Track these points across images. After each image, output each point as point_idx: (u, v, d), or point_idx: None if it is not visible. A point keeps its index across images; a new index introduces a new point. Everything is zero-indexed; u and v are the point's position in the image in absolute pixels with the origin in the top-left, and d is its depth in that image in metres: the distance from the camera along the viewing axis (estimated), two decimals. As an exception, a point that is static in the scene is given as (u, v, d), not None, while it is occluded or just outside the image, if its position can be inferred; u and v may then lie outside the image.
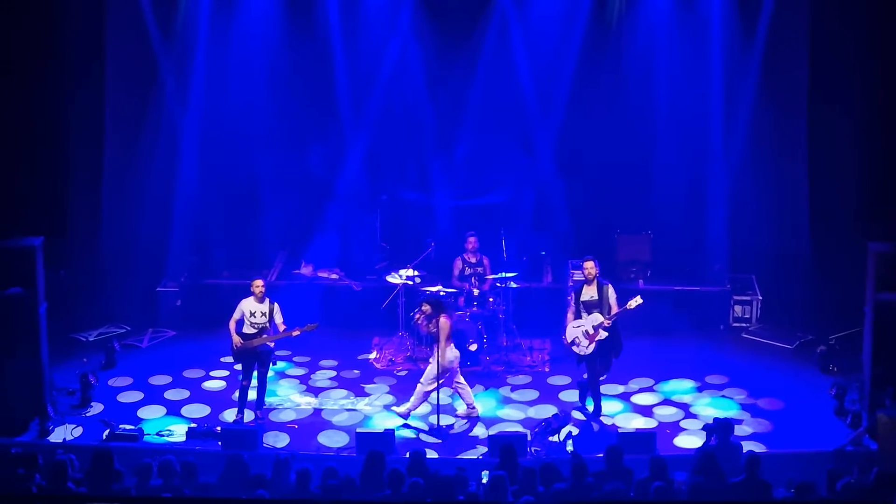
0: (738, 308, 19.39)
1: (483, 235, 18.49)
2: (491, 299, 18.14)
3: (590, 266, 15.94)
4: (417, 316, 16.19)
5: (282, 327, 16.08)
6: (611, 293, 15.85)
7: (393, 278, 18.43)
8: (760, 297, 19.39)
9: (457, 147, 20.01)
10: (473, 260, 18.35)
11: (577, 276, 18.56)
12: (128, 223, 19.86)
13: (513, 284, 18.18)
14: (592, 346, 15.82)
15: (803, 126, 19.36)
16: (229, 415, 16.45)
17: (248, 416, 16.32)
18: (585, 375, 16.29)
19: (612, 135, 19.66)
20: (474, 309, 17.96)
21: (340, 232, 20.03)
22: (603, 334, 15.78)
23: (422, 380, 16.00)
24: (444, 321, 15.85)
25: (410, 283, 18.15)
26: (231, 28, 19.74)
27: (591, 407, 16.25)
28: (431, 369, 15.88)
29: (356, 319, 18.84)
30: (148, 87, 19.70)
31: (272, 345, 16.32)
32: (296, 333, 16.09)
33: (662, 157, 19.82)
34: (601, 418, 16.10)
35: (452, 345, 15.96)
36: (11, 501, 11.56)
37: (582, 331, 15.86)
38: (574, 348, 16.00)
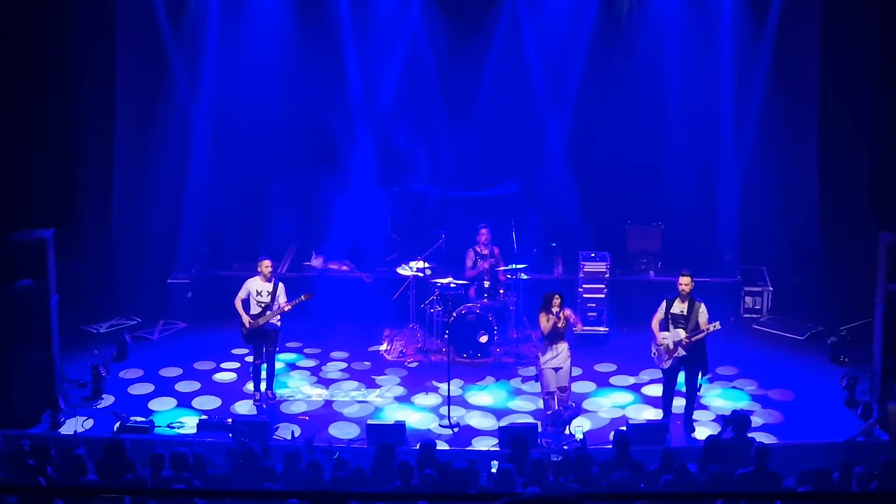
0: (748, 299, 19.37)
1: (494, 227, 18.48)
2: (501, 291, 18.14)
3: (686, 282, 15.43)
4: (564, 312, 15.60)
5: (285, 306, 16.33)
6: (702, 312, 15.34)
7: (403, 270, 18.42)
8: (771, 288, 19.36)
9: (467, 138, 19.99)
10: (485, 252, 18.35)
11: (588, 267, 18.61)
12: (139, 215, 19.88)
13: (523, 276, 18.17)
14: (670, 361, 15.48)
15: (814, 116, 19.33)
16: (240, 406, 16.49)
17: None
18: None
19: (622, 125, 19.65)
20: (485, 300, 17.96)
21: (351, 223, 20.03)
22: (681, 352, 15.38)
23: (563, 382, 15.76)
24: (570, 312, 15.90)
25: (421, 274, 18.15)
26: (241, 19, 19.74)
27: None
28: (568, 367, 15.74)
29: (367, 311, 18.83)
30: (158, 78, 19.71)
31: (279, 324, 16.50)
32: (288, 308, 16.30)
33: (673, 147, 19.80)
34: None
35: None
36: (23, 492, 11.61)
37: (665, 344, 15.47)
38: (654, 358, 15.71)
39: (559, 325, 15.52)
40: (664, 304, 15.58)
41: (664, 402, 15.80)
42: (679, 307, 15.43)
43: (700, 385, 15.88)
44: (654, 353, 15.60)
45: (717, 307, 18.98)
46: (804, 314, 18.96)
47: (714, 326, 15.23)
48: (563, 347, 15.64)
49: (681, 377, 15.65)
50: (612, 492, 11.60)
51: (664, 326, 15.47)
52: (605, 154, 19.86)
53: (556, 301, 15.52)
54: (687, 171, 19.74)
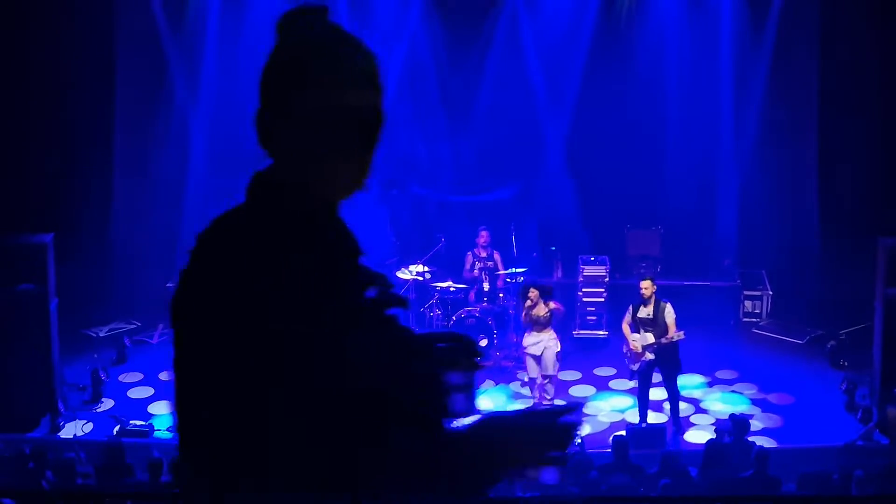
0: (748, 303, 19.37)
1: (493, 231, 18.48)
2: (501, 295, 18.14)
3: (646, 285, 15.51)
4: (527, 303, 15.95)
5: None
6: (668, 312, 15.34)
7: (403, 274, 18.41)
8: (771, 292, 19.36)
9: (467, 142, 19.99)
10: (484, 255, 18.35)
11: (587, 271, 18.62)
12: (138, 218, 19.86)
13: (522, 280, 18.16)
14: (637, 364, 15.52)
15: (813, 120, 19.32)
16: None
17: None
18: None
19: (621, 129, 19.62)
20: (484, 304, 17.96)
21: (350, 227, 19.93)
22: (649, 355, 15.42)
23: (547, 370, 15.92)
24: (556, 305, 16.02)
25: (420, 278, 18.15)
26: (241, 21, 19.73)
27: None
28: (550, 355, 15.86)
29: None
30: (158, 81, 19.69)
31: None
32: None
33: (672, 151, 19.80)
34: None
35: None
36: (23, 497, 11.60)
37: (635, 347, 15.51)
38: (626, 360, 15.85)
39: (534, 314, 15.79)
40: (630, 308, 15.69)
41: (640, 404, 15.84)
42: (645, 311, 15.52)
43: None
44: (627, 354, 15.72)
45: (717, 311, 19.12)
46: (804, 318, 18.94)
47: (678, 335, 15.31)
48: (545, 336, 15.83)
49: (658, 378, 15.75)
50: (611, 495, 11.60)
51: (635, 330, 15.57)
52: (604, 158, 19.82)
53: (531, 294, 15.85)
54: (686, 174, 19.75)
